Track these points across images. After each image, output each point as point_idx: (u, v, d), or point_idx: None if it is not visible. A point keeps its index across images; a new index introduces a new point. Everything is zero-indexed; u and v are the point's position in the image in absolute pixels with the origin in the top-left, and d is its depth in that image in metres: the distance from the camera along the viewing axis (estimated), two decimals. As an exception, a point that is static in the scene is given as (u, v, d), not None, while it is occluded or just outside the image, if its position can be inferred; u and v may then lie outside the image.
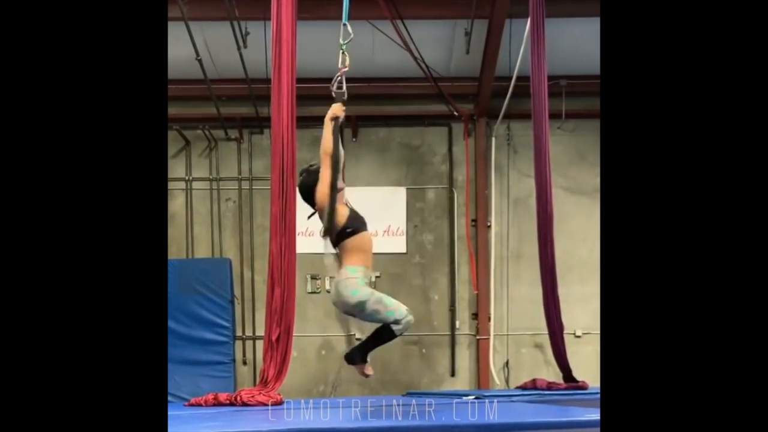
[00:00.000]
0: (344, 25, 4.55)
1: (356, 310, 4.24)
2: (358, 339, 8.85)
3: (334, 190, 4.26)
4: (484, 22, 7.90)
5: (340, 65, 4.45)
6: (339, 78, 4.43)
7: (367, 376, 4.53)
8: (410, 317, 4.23)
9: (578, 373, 6.38)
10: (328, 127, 4.37)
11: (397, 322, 4.17)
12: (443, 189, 9.04)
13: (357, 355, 4.46)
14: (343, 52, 4.48)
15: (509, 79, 7.59)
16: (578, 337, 8.62)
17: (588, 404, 4.02)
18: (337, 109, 4.39)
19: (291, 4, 4.81)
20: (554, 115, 7.61)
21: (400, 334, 4.24)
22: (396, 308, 4.21)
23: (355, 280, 4.23)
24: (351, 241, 4.31)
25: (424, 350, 8.95)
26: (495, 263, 8.94)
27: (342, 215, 4.35)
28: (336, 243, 4.36)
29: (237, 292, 8.66)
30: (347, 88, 4.48)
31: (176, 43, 6.15)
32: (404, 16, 7.24)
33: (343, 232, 4.33)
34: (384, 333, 4.29)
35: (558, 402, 4.85)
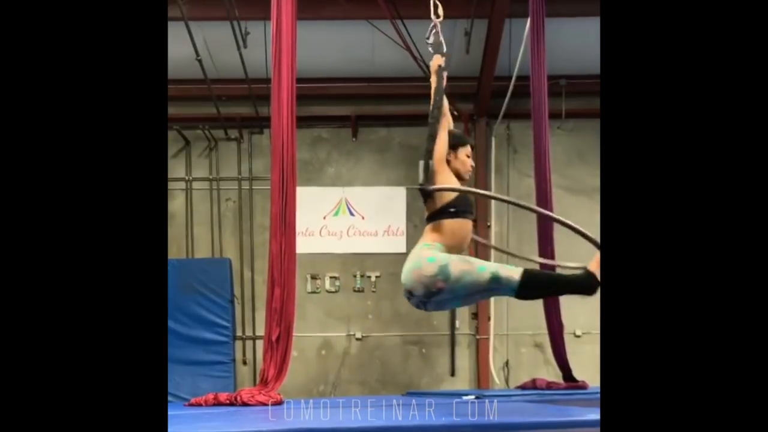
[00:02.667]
0: None
1: (438, 281, 3.43)
2: (358, 339, 8.87)
3: (431, 141, 3.73)
4: (484, 22, 7.90)
5: (433, 16, 4.12)
6: (434, 30, 4.11)
7: None
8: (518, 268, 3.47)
9: (578, 373, 6.39)
10: (433, 78, 3.93)
11: (498, 279, 3.42)
12: (443, 189, 9.03)
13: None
14: (433, 2, 4.18)
15: (509, 78, 7.60)
16: (578, 336, 8.61)
17: (588, 404, 4.02)
18: (437, 59, 4.03)
19: (291, 4, 4.82)
20: (554, 115, 7.62)
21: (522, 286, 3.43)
22: (486, 263, 3.55)
23: (430, 250, 3.54)
24: (450, 223, 3.62)
25: (423, 350, 8.94)
26: (495, 263, 8.93)
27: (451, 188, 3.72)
28: (432, 218, 3.68)
29: (237, 292, 8.66)
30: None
31: (176, 43, 6.15)
32: (404, 16, 7.24)
33: (445, 209, 3.64)
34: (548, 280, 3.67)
35: (558, 402, 4.85)
